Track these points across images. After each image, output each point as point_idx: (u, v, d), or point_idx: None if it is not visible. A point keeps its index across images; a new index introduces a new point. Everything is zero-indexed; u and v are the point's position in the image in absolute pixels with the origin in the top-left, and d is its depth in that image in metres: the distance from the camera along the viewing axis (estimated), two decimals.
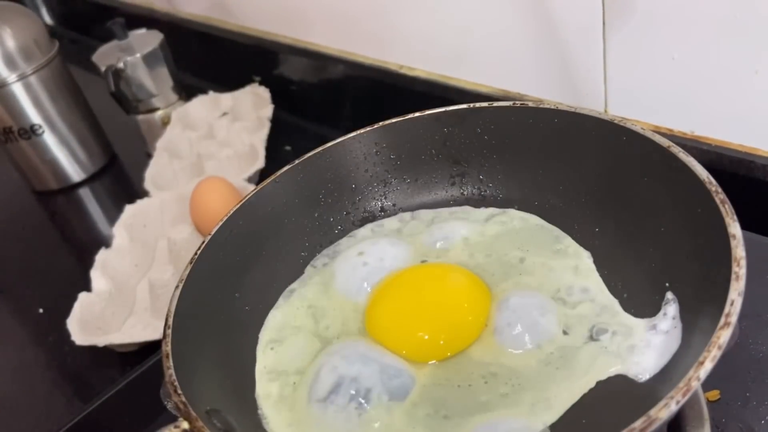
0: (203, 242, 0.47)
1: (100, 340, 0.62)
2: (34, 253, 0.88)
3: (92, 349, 0.62)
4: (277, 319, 0.48)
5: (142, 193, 0.81)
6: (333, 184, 0.54)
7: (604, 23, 0.58)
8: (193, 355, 0.41)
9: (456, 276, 0.47)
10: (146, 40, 0.92)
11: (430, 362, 0.42)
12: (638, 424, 0.29)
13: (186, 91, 0.98)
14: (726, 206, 0.36)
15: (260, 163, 0.81)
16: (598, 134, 0.46)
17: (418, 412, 0.40)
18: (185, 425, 0.35)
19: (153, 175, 0.84)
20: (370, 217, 0.55)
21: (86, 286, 0.67)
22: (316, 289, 0.50)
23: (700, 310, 0.35)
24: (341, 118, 0.88)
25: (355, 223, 0.55)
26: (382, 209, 0.55)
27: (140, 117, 0.94)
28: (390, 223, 0.54)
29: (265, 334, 0.48)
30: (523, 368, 0.40)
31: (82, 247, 0.85)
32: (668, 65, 0.56)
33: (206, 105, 0.96)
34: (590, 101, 0.63)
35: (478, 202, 0.54)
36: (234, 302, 0.48)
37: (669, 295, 0.40)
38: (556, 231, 0.49)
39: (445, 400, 0.40)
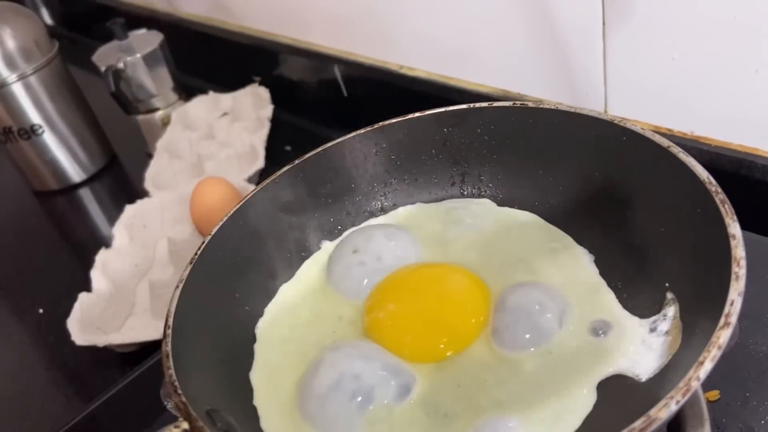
0: (203, 242, 0.47)
1: (100, 340, 0.62)
2: (34, 253, 0.88)
3: (92, 349, 0.62)
4: (276, 318, 0.48)
5: (142, 193, 0.81)
6: (333, 184, 0.54)
7: (604, 23, 0.58)
8: (193, 355, 0.41)
9: (456, 276, 0.47)
10: (146, 40, 0.92)
11: (430, 362, 0.42)
12: (638, 424, 0.29)
13: (186, 91, 0.98)
14: (726, 206, 0.36)
15: (260, 163, 0.81)
16: (598, 134, 0.46)
17: (419, 411, 0.40)
18: (185, 425, 0.35)
19: (153, 175, 0.84)
20: (370, 218, 0.55)
21: (86, 286, 0.67)
22: (315, 290, 0.50)
23: (700, 310, 0.35)
24: (341, 118, 0.88)
25: (355, 224, 0.55)
26: (382, 209, 0.55)
27: (140, 117, 0.94)
28: (390, 220, 0.54)
29: (264, 333, 0.48)
30: (523, 368, 0.40)
31: (82, 247, 0.85)
32: (668, 65, 0.56)
33: (206, 105, 0.96)
34: (590, 101, 0.63)
35: None
36: (234, 302, 0.48)
37: (669, 295, 0.40)
38: (556, 231, 0.49)
39: (446, 399, 0.40)
